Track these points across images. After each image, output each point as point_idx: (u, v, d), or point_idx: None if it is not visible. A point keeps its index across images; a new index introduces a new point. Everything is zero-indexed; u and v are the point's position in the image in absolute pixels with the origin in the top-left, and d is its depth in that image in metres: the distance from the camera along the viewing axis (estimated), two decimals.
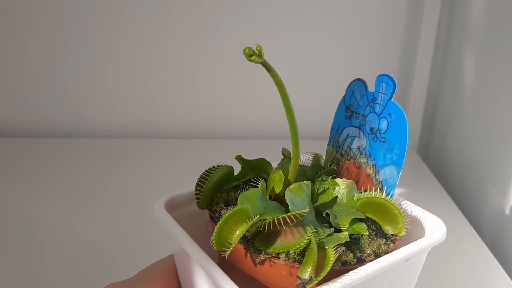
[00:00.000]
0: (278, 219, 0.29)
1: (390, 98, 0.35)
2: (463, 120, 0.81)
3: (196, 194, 0.34)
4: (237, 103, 0.93)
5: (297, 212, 0.29)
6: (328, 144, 0.41)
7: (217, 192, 0.35)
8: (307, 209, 0.30)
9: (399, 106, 0.35)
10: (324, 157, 0.41)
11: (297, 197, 0.31)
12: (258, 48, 0.28)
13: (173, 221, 0.34)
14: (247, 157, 0.37)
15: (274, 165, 0.38)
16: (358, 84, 0.38)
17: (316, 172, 0.38)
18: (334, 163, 0.40)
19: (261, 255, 0.29)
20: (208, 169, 0.35)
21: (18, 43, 0.85)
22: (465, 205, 0.76)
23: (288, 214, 0.29)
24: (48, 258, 0.56)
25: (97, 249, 0.58)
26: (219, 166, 0.35)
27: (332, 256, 0.28)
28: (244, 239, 0.30)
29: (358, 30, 0.89)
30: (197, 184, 0.34)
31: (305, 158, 0.41)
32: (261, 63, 0.29)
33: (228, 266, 0.33)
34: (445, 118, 0.88)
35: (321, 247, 0.29)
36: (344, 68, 0.92)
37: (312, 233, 0.29)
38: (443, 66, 0.88)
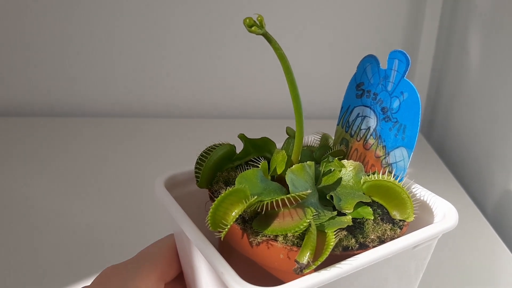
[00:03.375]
0: (277, 201, 0.27)
1: (403, 76, 0.33)
2: (468, 99, 0.79)
3: (196, 172, 0.33)
4: (241, 80, 0.91)
5: (297, 194, 0.27)
6: (338, 124, 0.39)
7: (218, 171, 0.33)
8: (308, 191, 0.28)
9: (412, 85, 0.33)
10: (332, 138, 0.39)
11: (299, 178, 0.30)
12: (259, 18, 0.27)
13: (172, 200, 0.33)
14: (251, 136, 0.36)
15: (279, 145, 0.36)
16: (370, 60, 0.36)
17: (323, 153, 0.37)
18: (343, 144, 0.38)
19: (258, 237, 0.28)
20: (209, 147, 0.34)
21: (14, 20, 0.83)
22: (469, 185, 0.75)
23: (288, 195, 0.27)
24: (45, 239, 0.55)
25: (96, 230, 0.56)
26: (220, 145, 0.34)
27: (332, 241, 0.27)
28: (242, 220, 0.29)
29: (364, 6, 0.86)
30: (197, 163, 0.33)
31: (313, 139, 0.40)
32: (262, 34, 0.27)
33: (228, 247, 0.32)
34: (449, 97, 0.86)
35: (322, 231, 0.28)
36: (349, 45, 0.89)
37: (312, 216, 0.28)
38: (448, 44, 0.86)
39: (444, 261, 0.54)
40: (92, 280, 0.33)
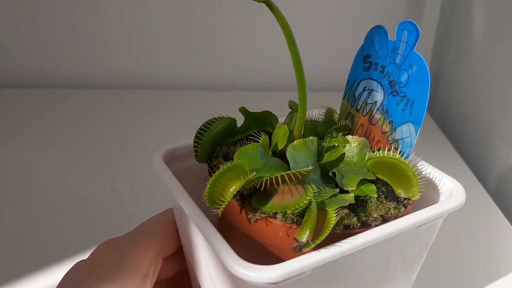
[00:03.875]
0: (276, 177, 0.26)
1: (412, 48, 0.32)
2: (470, 71, 0.77)
3: (195, 146, 0.32)
4: (243, 51, 0.88)
5: (297, 170, 0.26)
6: (343, 98, 0.38)
7: (217, 146, 0.32)
8: (310, 168, 0.27)
9: (422, 57, 0.31)
10: (338, 112, 0.38)
11: (300, 154, 0.29)
12: None
13: (170, 175, 0.32)
14: (255, 107, 0.34)
15: (282, 119, 0.35)
16: (378, 31, 0.34)
17: (327, 128, 0.35)
18: (348, 119, 0.37)
19: (257, 213, 0.27)
20: (208, 120, 0.32)
21: None
22: (470, 158, 0.74)
23: (288, 172, 0.26)
24: (41, 211, 0.54)
25: (92, 204, 0.55)
26: (220, 118, 0.33)
27: (332, 219, 0.26)
28: (241, 196, 0.28)
29: None
30: (196, 136, 0.32)
31: (318, 113, 0.38)
32: (264, 2, 0.26)
33: (227, 223, 0.31)
34: (451, 69, 0.84)
35: (322, 209, 0.27)
36: (354, 14, 0.86)
37: (313, 193, 0.27)
38: (452, 14, 0.83)
39: (444, 235, 0.53)
40: (89, 255, 0.33)
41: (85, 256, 0.33)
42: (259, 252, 0.30)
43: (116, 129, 0.73)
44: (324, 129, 0.36)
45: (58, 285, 0.32)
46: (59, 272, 0.45)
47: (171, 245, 0.35)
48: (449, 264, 0.49)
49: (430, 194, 0.33)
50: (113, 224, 0.51)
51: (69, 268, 0.33)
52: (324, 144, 0.33)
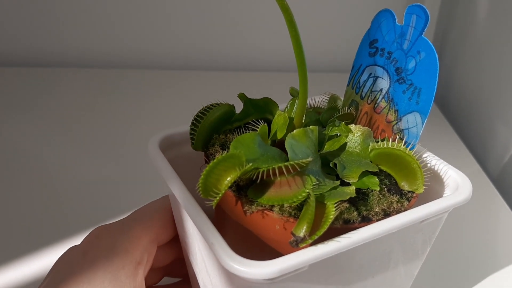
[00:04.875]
0: (273, 169, 0.25)
1: (421, 34, 0.30)
2: (473, 53, 0.74)
3: (191, 134, 0.31)
4: (244, 29, 0.85)
5: (296, 161, 0.25)
6: (348, 85, 0.36)
7: (214, 133, 0.31)
8: (309, 159, 0.26)
9: (430, 43, 0.29)
10: (342, 99, 0.37)
11: (300, 144, 0.28)
12: None
13: (166, 163, 0.31)
14: (255, 91, 0.33)
15: (282, 106, 0.34)
16: (385, 15, 0.33)
17: (330, 116, 0.34)
18: (353, 107, 0.36)
19: (253, 206, 0.26)
20: (206, 107, 0.31)
21: None
22: (471, 141, 0.72)
23: (285, 164, 0.25)
24: (37, 194, 0.52)
25: (86, 187, 0.53)
26: (218, 104, 0.31)
27: (331, 213, 0.24)
28: (237, 187, 0.27)
29: None
30: (192, 123, 0.31)
31: (321, 100, 0.37)
32: None
33: (223, 213, 0.30)
34: (453, 50, 0.82)
35: (321, 202, 0.26)
36: None
37: (312, 185, 0.25)
38: None
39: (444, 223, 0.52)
40: (82, 240, 0.32)
41: (79, 239, 0.32)
42: (256, 243, 0.29)
43: (115, 110, 0.71)
44: (326, 117, 0.34)
45: (49, 272, 0.32)
46: (51, 255, 0.44)
47: (166, 233, 0.34)
48: (450, 254, 0.48)
49: (435, 186, 0.32)
50: (109, 208, 0.50)
51: (62, 254, 0.32)
52: (326, 133, 0.32)
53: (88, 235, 0.32)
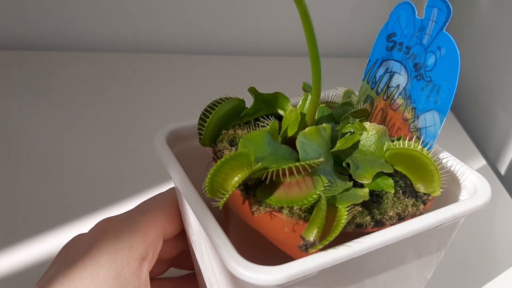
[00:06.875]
0: (283, 169, 0.24)
1: (442, 28, 0.29)
2: (474, 37, 0.72)
3: (199, 129, 0.30)
4: (259, 12, 0.82)
5: (306, 162, 0.24)
6: (363, 79, 0.35)
7: (223, 129, 0.30)
8: (321, 159, 0.25)
9: (452, 39, 0.28)
10: (356, 94, 0.35)
11: (311, 142, 0.26)
12: None
13: (172, 157, 0.30)
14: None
15: (294, 100, 0.32)
16: (404, 7, 0.31)
17: (344, 112, 0.33)
18: (368, 102, 0.34)
19: (261, 206, 0.25)
20: (214, 101, 0.30)
21: None
22: (471, 128, 0.71)
23: (296, 164, 0.24)
24: (42, 180, 0.51)
25: (92, 177, 0.52)
26: (227, 99, 0.30)
27: (343, 218, 0.23)
28: (245, 186, 0.26)
29: None
30: (200, 118, 0.30)
31: (334, 94, 0.35)
32: None
33: (230, 212, 0.29)
34: (454, 34, 0.78)
35: (333, 205, 0.24)
36: None
37: (323, 187, 0.24)
38: None
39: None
40: (87, 231, 0.31)
41: (85, 226, 0.31)
42: (265, 244, 0.28)
43: (124, 96, 0.70)
44: (340, 112, 0.33)
45: (53, 261, 0.31)
46: (58, 239, 0.43)
47: (173, 227, 0.34)
48: (461, 253, 0.47)
49: (451, 188, 0.30)
50: (112, 201, 0.48)
51: (66, 242, 0.31)
52: (339, 129, 0.31)
53: (93, 228, 0.31)
